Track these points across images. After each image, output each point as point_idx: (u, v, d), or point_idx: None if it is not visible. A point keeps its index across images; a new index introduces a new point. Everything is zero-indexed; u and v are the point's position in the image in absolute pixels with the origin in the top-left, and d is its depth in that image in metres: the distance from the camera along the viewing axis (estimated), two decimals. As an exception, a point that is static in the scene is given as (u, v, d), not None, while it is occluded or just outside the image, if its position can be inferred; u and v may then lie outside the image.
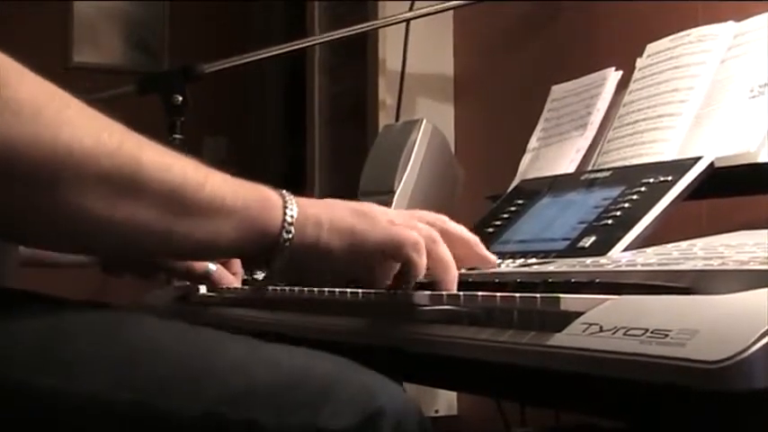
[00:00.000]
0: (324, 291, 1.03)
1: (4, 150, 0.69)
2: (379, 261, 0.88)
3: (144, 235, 0.77)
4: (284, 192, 0.86)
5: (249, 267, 0.94)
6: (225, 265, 1.38)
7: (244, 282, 1.37)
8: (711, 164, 1.09)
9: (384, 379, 0.80)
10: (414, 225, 0.89)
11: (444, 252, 0.88)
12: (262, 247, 0.84)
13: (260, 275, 1.27)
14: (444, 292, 0.84)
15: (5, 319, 0.77)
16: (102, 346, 0.77)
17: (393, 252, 0.87)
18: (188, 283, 1.42)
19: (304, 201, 0.86)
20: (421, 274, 0.87)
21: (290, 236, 0.84)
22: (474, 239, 0.95)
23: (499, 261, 1.06)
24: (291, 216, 0.84)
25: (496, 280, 0.86)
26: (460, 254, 0.92)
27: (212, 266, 1.36)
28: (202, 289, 1.38)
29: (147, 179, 0.75)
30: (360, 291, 0.94)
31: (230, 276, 1.36)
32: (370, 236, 0.86)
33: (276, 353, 0.80)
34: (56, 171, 0.71)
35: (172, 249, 0.83)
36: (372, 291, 0.93)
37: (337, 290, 1.00)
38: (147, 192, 0.75)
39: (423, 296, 0.86)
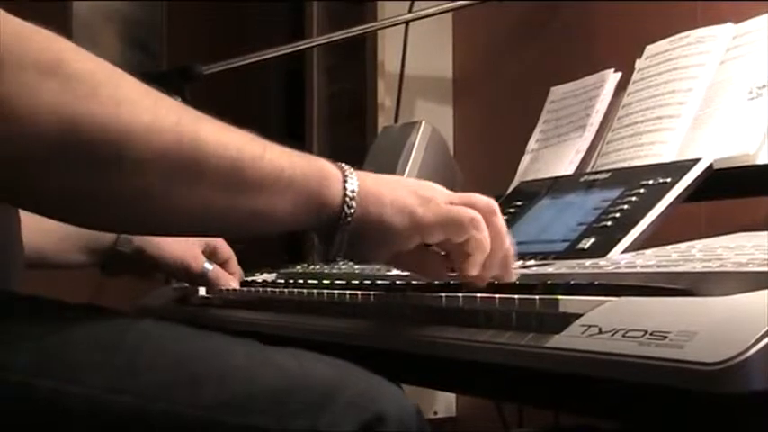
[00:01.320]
0: (323, 293, 1.03)
1: (66, 128, 0.68)
2: (438, 240, 0.86)
3: (204, 210, 0.76)
4: (343, 165, 0.84)
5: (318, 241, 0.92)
6: (222, 265, 1.38)
7: (242, 283, 1.37)
8: (710, 165, 1.09)
9: (384, 382, 0.79)
10: (472, 202, 0.87)
11: (502, 224, 0.87)
12: (321, 221, 0.82)
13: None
14: (443, 294, 0.84)
15: (7, 322, 0.76)
16: (102, 350, 0.76)
17: (453, 230, 0.85)
18: (186, 284, 1.43)
19: (364, 175, 0.85)
20: (487, 249, 0.85)
21: (352, 210, 0.82)
22: (509, 243, 0.90)
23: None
24: (353, 190, 0.82)
25: (495, 281, 0.86)
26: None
27: (209, 266, 1.36)
28: (201, 290, 1.38)
29: (207, 154, 0.74)
30: (359, 292, 0.94)
31: (227, 276, 1.36)
32: (430, 215, 0.84)
33: (277, 357, 0.80)
34: (116, 148, 0.69)
35: (231, 225, 0.81)
36: (372, 292, 0.93)
37: (336, 291, 1.00)
38: (206, 166, 0.74)
39: (424, 297, 0.86)
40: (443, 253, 0.88)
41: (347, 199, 0.82)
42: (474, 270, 0.84)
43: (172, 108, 0.74)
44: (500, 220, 0.87)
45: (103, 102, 0.69)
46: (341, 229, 0.82)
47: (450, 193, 0.88)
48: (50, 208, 0.76)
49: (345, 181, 0.82)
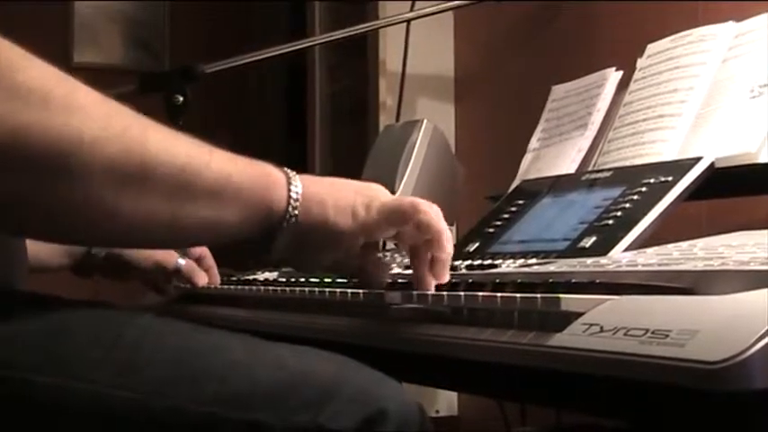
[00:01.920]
0: (324, 291, 1.03)
1: (14, 136, 0.67)
2: (384, 236, 0.88)
3: (152, 219, 0.76)
4: (287, 169, 0.85)
5: (253, 250, 0.94)
6: (197, 260, 1.39)
7: (244, 281, 1.37)
8: (712, 164, 1.09)
9: (386, 378, 0.80)
10: (412, 198, 0.89)
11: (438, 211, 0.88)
12: (266, 226, 0.83)
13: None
14: (445, 293, 0.84)
15: (7, 319, 0.77)
16: (103, 346, 0.77)
17: (396, 220, 0.87)
18: (182, 284, 1.43)
19: (307, 178, 0.86)
20: (437, 226, 0.86)
21: (296, 212, 0.83)
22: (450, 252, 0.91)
23: (500, 261, 1.07)
24: (297, 193, 0.83)
25: (497, 280, 0.87)
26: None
27: (182, 261, 1.37)
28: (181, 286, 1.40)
29: (154, 163, 0.74)
30: (361, 291, 0.94)
31: (201, 272, 1.37)
32: (373, 212, 0.86)
33: (278, 352, 0.80)
34: (65, 158, 0.69)
35: (180, 233, 0.81)
36: (374, 291, 0.93)
37: (338, 290, 1.00)
38: (153, 176, 0.74)
39: (426, 295, 0.87)
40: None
41: (291, 201, 0.83)
42: (444, 253, 0.86)
43: (121, 116, 0.73)
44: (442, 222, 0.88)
45: (55, 111, 0.69)
46: (283, 232, 0.83)
47: (391, 195, 0.90)
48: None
49: (290, 185, 0.83)
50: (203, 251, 1.40)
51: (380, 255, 0.90)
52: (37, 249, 1.24)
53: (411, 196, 0.92)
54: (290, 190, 0.83)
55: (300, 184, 0.84)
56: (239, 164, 0.81)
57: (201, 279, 1.37)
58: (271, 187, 0.82)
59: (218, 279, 1.41)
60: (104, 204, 0.72)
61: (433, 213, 0.87)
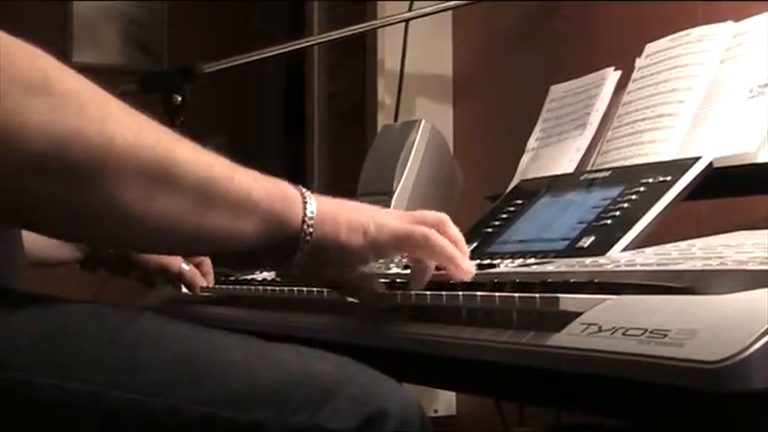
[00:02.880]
0: (323, 291, 1.03)
1: (53, 143, 0.69)
2: (391, 257, 0.90)
3: (176, 227, 0.79)
4: (301, 187, 0.88)
5: (268, 262, 0.97)
6: (197, 265, 1.42)
7: (242, 281, 1.38)
8: (710, 164, 1.09)
9: (386, 378, 0.80)
10: (423, 220, 0.91)
11: (455, 232, 0.92)
12: (282, 242, 0.85)
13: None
14: (444, 293, 0.84)
15: (6, 319, 0.77)
16: (102, 346, 0.77)
17: (408, 246, 0.90)
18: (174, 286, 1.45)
19: (321, 198, 0.88)
20: (446, 249, 0.89)
21: (311, 231, 0.85)
22: (465, 249, 0.94)
23: (498, 261, 1.07)
24: (312, 212, 0.86)
25: (496, 280, 0.87)
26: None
27: (185, 266, 1.39)
28: (184, 289, 1.42)
29: (182, 172, 0.77)
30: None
31: (200, 277, 1.40)
32: (384, 234, 0.89)
33: (277, 352, 0.81)
34: (100, 164, 0.72)
35: (199, 242, 0.84)
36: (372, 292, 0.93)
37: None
38: (181, 185, 0.77)
39: (424, 295, 0.87)
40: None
41: (307, 220, 0.85)
42: (453, 264, 0.90)
43: (152, 129, 0.76)
44: (452, 229, 0.92)
45: (90, 119, 0.72)
46: (300, 249, 0.86)
47: (402, 213, 0.93)
48: (32, 221, 0.78)
49: (305, 203, 0.86)
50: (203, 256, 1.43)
51: (371, 268, 0.93)
52: (49, 243, 1.26)
53: (418, 209, 0.95)
54: (305, 208, 0.86)
55: (315, 203, 0.86)
56: (258, 180, 0.84)
57: (201, 283, 1.40)
58: (288, 205, 0.85)
59: (212, 283, 1.43)
60: (132, 210, 0.75)
61: (442, 242, 0.90)
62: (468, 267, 0.91)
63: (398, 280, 1.00)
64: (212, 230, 0.81)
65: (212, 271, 1.45)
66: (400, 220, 0.91)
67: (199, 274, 1.41)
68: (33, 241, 1.23)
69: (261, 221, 0.83)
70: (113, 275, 1.45)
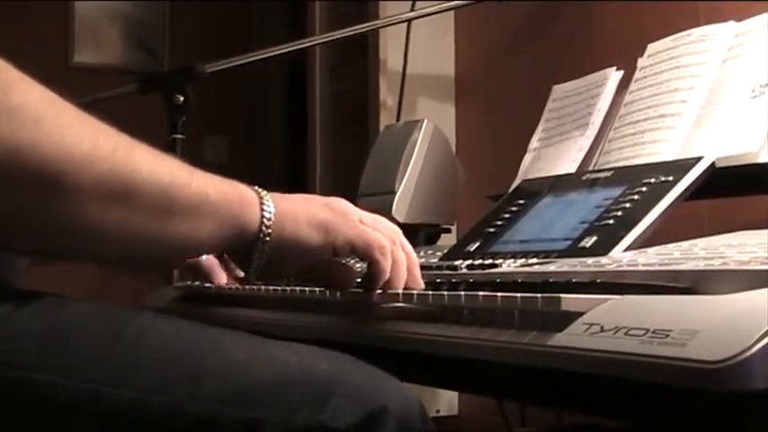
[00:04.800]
0: (323, 291, 1.03)
1: (9, 156, 0.69)
2: (346, 257, 0.92)
3: (134, 237, 0.78)
4: (258, 188, 0.88)
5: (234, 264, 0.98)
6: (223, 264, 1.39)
7: (241, 281, 1.37)
8: (712, 164, 1.09)
9: (386, 376, 0.80)
10: (379, 227, 0.92)
11: (401, 255, 0.93)
12: (241, 244, 0.86)
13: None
14: (446, 293, 0.84)
15: (7, 318, 0.77)
16: (103, 345, 0.77)
17: (362, 251, 0.90)
18: (189, 282, 1.43)
19: (277, 196, 0.88)
20: (385, 276, 0.91)
21: (269, 231, 0.86)
22: (415, 261, 0.96)
23: (500, 261, 1.07)
24: (270, 212, 0.86)
25: (498, 280, 0.87)
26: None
27: (203, 257, 1.36)
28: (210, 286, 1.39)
29: (140, 181, 0.76)
30: (360, 290, 0.95)
31: (221, 272, 1.37)
32: (342, 231, 0.89)
33: (278, 350, 0.81)
34: (56, 177, 0.71)
35: (156, 250, 0.84)
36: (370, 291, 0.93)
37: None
38: (140, 195, 0.76)
39: (426, 295, 0.87)
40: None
41: (265, 220, 0.86)
42: (375, 287, 0.91)
43: (109, 137, 0.76)
44: (399, 251, 0.93)
45: (46, 131, 0.71)
46: (259, 250, 0.86)
47: (359, 210, 0.93)
48: None
49: (262, 204, 0.86)
50: None
51: (344, 260, 0.94)
52: None
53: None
54: (262, 209, 0.86)
55: (272, 204, 0.87)
56: (216, 183, 0.84)
57: (221, 279, 1.37)
58: (245, 206, 0.85)
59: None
60: (91, 221, 0.74)
61: (399, 253, 0.92)
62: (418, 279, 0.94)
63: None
64: (170, 237, 0.80)
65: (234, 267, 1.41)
66: (359, 217, 0.92)
67: (218, 267, 1.37)
68: None
69: (219, 225, 0.83)
70: (128, 273, 1.43)
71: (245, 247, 0.86)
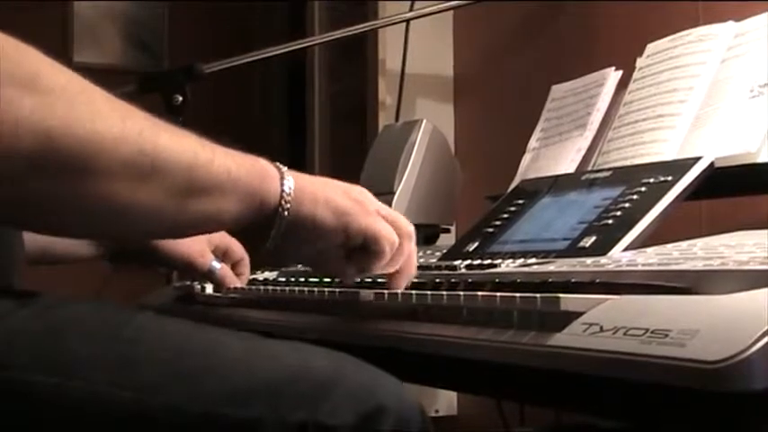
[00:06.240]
0: (324, 291, 1.03)
1: (41, 141, 0.69)
2: (356, 245, 0.91)
3: (160, 215, 0.79)
4: (279, 164, 0.88)
5: (247, 240, 0.98)
6: (233, 265, 1.38)
7: (250, 282, 1.37)
8: (711, 164, 1.09)
9: (384, 375, 0.80)
10: (396, 223, 0.93)
11: (410, 252, 0.94)
12: (260, 218, 0.86)
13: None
14: (444, 293, 0.84)
15: (5, 317, 0.77)
16: (102, 344, 0.77)
17: (372, 241, 0.90)
18: (188, 282, 1.43)
19: (299, 175, 0.89)
20: (384, 263, 0.92)
21: (288, 206, 0.86)
22: (414, 263, 0.97)
23: (499, 261, 1.07)
24: (289, 188, 0.86)
25: (497, 280, 0.86)
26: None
27: (216, 264, 1.36)
28: (209, 288, 1.38)
29: (165, 161, 0.77)
30: (360, 291, 0.95)
31: (233, 277, 1.36)
32: (357, 219, 0.90)
33: (276, 349, 0.81)
34: (88, 159, 0.72)
35: (182, 227, 0.85)
36: (373, 291, 0.93)
37: (337, 290, 1.00)
38: (165, 174, 0.77)
39: (426, 295, 0.87)
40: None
41: (284, 195, 0.86)
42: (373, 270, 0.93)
43: (136, 119, 0.76)
44: (413, 245, 0.95)
45: (78, 115, 0.72)
46: (276, 225, 0.86)
47: (378, 202, 0.94)
48: (30, 221, 0.78)
49: (283, 179, 0.87)
50: (242, 256, 1.39)
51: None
52: (67, 241, 1.25)
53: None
54: (282, 184, 0.86)
55: (292, 179, 0.87)
56: (237, 159, 0.84)
57: (232, 284, 1.36)
58: (265, 181, 0.86)
59: (245, 284, 1.39)
60: (120, 202, 0.75)
61: (409, 251, 0.94)
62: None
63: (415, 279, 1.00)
64: (195, 214, 0.81)
65: (248, 272, 1.42)
66: (376, 208, 0.92)
67: (231, 274, 1.37)
68: (53, 240, 1.23)
69: (240, 200, 0.83)
70: (140, 270, 1.43)
71: (264, 220, 0.86)
